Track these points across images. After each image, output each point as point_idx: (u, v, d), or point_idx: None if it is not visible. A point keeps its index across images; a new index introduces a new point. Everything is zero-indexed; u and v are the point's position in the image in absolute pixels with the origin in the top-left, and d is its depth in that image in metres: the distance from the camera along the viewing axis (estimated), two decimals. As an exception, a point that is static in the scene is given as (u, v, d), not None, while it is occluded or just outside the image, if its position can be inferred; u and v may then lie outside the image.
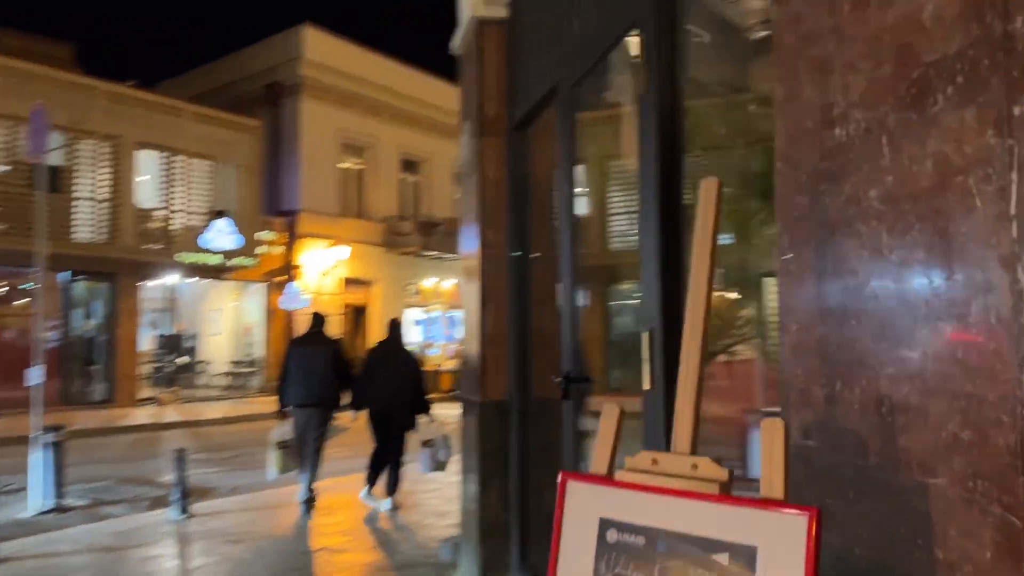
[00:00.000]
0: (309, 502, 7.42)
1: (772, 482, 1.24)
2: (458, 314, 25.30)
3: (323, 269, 21.59)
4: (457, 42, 5.43)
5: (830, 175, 1.55)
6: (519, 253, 4.77)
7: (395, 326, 7.91)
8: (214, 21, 68.48)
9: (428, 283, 24.69)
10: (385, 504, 7.44)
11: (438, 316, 24.70)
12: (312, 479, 7.50)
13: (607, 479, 1.43)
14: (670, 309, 2.72)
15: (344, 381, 7.53)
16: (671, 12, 2.81)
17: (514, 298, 4.78)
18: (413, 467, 7.92)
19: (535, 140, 4.71)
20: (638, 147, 2.89)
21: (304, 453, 7.43)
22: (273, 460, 7.36)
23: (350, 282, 22.36)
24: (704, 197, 1.44)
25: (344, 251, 21.76)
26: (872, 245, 1.43)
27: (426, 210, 24.44)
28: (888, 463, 1.38)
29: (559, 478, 1.49)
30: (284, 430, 7.42)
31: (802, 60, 1.63)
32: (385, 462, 7.51)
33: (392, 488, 7.50)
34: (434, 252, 23.42)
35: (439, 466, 7.42)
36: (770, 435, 1.27)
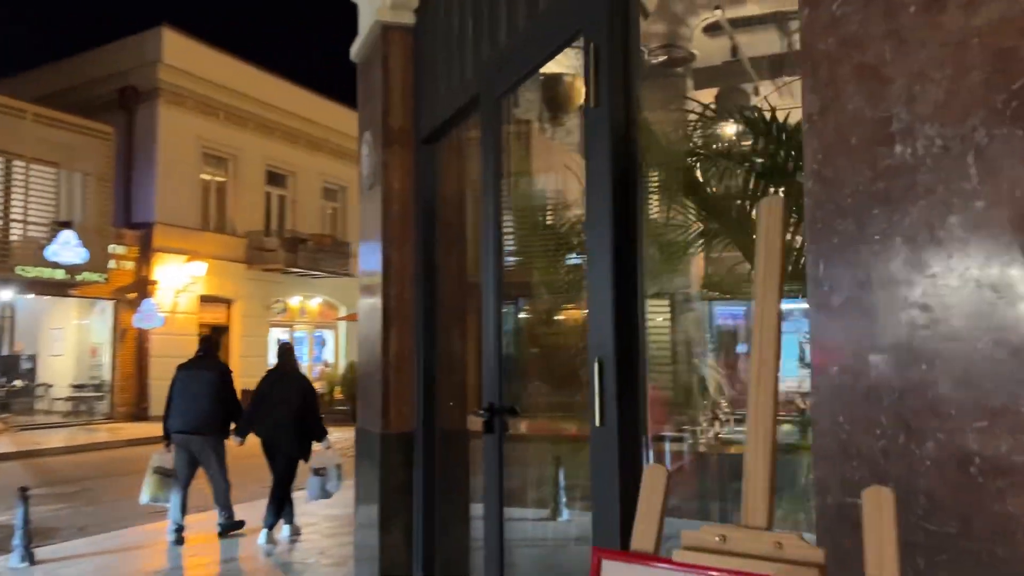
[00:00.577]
0: (228, 528, 7.10)
1: (882, 565, 1.03)
2: (326, 334, 24.63)
3: (178, 286, 20.24)
4: (357, 48, 5.08)
5: (885, 197, 1.37)
6: (427, 272, 4.47)
7: (285, 351, 7.43)
8: (61, 18, 63.91)
9: (294, 301, 23.72)
10: (260, 538, 6.88)
11: (304, 336, 23.78)
12: (225, 504, 7.11)
13: (656, 558, 1.18)
14: (624, 335, 2.51)
15: (229, 408, 7.02)
16: (624, 19, 2.63)
17: (421, 321, 4.46)
18: (297, 496, 7.40)
19: (446, 154, 4.44)
20: (587, 163, 2.68)
21: (189, 483, 7.03)
22: (147, 485, 6.93)
23: (207, 300, 21.07)
24: (766, 221, 1.22)
25: (200, 267, 20.46)
26: (953, 280, 1.25)
27: (292, 226, 23.49)
28: (980, 530, 1.20)
29: (592, 555, 1.22)
30: (165, 457, 6.99)
31: (844, 68, 1.45)
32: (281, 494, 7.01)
33: (271, 521, 6.94)
34: (300, 269, 22.52)
35: (325, 495, 6.99)
36: (876, 507, 1.06)
